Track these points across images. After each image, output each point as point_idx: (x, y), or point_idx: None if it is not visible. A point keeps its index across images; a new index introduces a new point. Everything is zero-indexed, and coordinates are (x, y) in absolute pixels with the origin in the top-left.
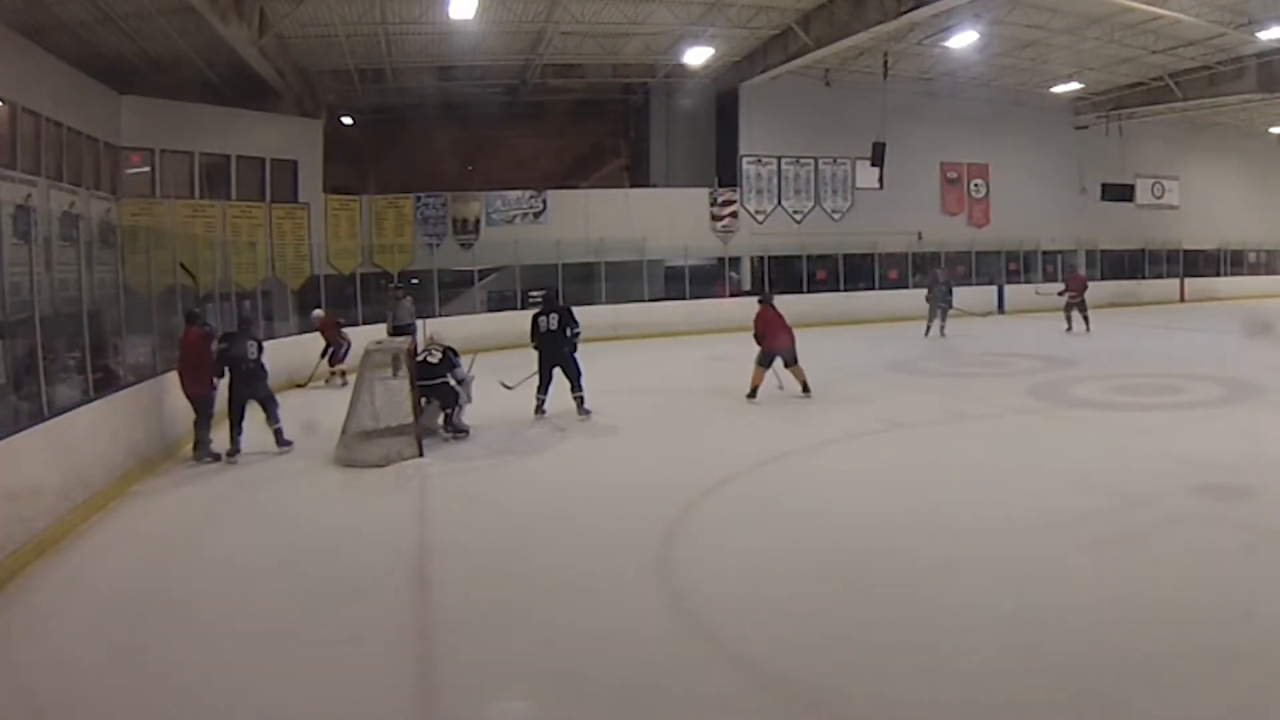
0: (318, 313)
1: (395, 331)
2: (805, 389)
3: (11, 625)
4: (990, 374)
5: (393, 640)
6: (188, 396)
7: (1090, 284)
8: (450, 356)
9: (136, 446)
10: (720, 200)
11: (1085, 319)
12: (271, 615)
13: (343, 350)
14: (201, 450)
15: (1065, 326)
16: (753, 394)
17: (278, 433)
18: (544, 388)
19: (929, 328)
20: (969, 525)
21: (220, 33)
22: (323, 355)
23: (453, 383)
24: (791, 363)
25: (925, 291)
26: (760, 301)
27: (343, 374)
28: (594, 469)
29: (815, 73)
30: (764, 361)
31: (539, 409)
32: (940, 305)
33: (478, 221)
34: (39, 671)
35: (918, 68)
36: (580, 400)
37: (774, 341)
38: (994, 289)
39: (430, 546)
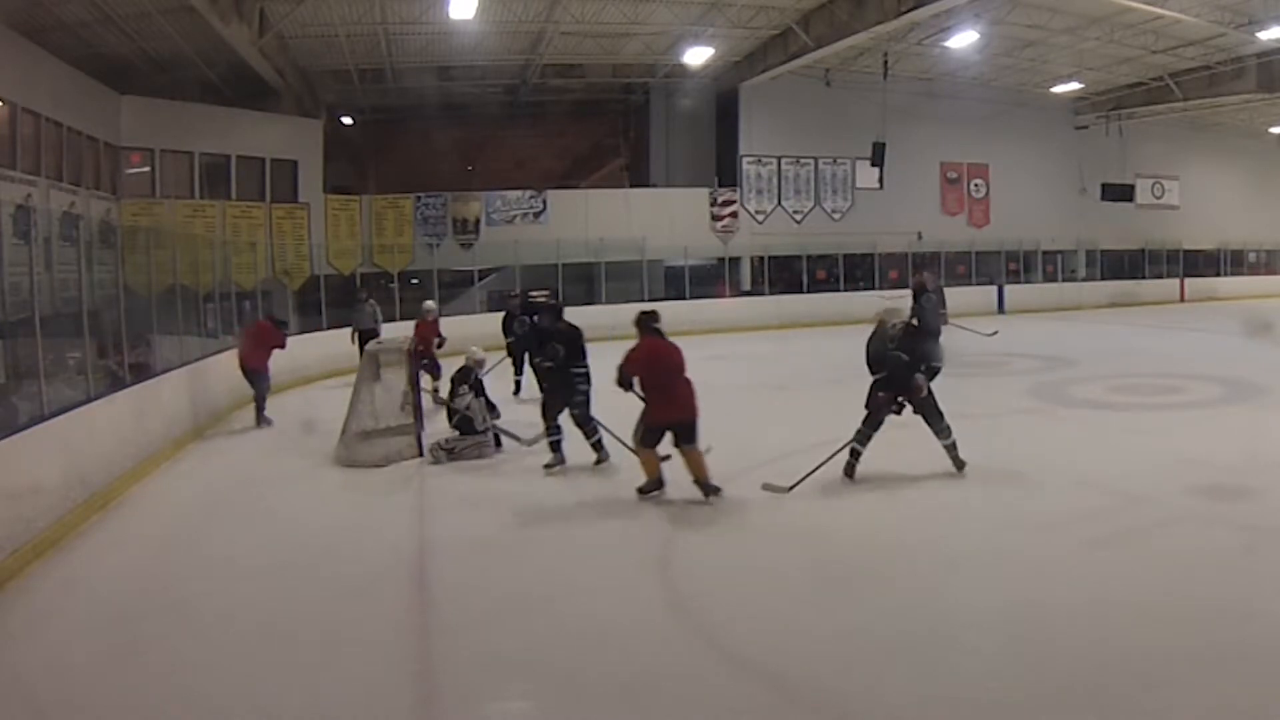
0: (430, 305)
1: (361, 335)
2: None
3: (11, 625)
4: (990, 374)
5: (392, 640)
6: (246, 368)
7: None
8: (458, 389)
9: (137, 446)
10: (720, 200)
11: None
12: (272, 615)
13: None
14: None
15: None
16: None
17: None
18: None
19: None
20: (969, 525)
21: (220, 33)
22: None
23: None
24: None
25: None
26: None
27: (435, 391)
28: (593, 469)
29: (815, 73)
30: None
31: None
32: None
33: (478, 221)
34: (39, 671)
35: (918, 68)
36: None
37: None
38: (994, 289)
39: (430, 546)
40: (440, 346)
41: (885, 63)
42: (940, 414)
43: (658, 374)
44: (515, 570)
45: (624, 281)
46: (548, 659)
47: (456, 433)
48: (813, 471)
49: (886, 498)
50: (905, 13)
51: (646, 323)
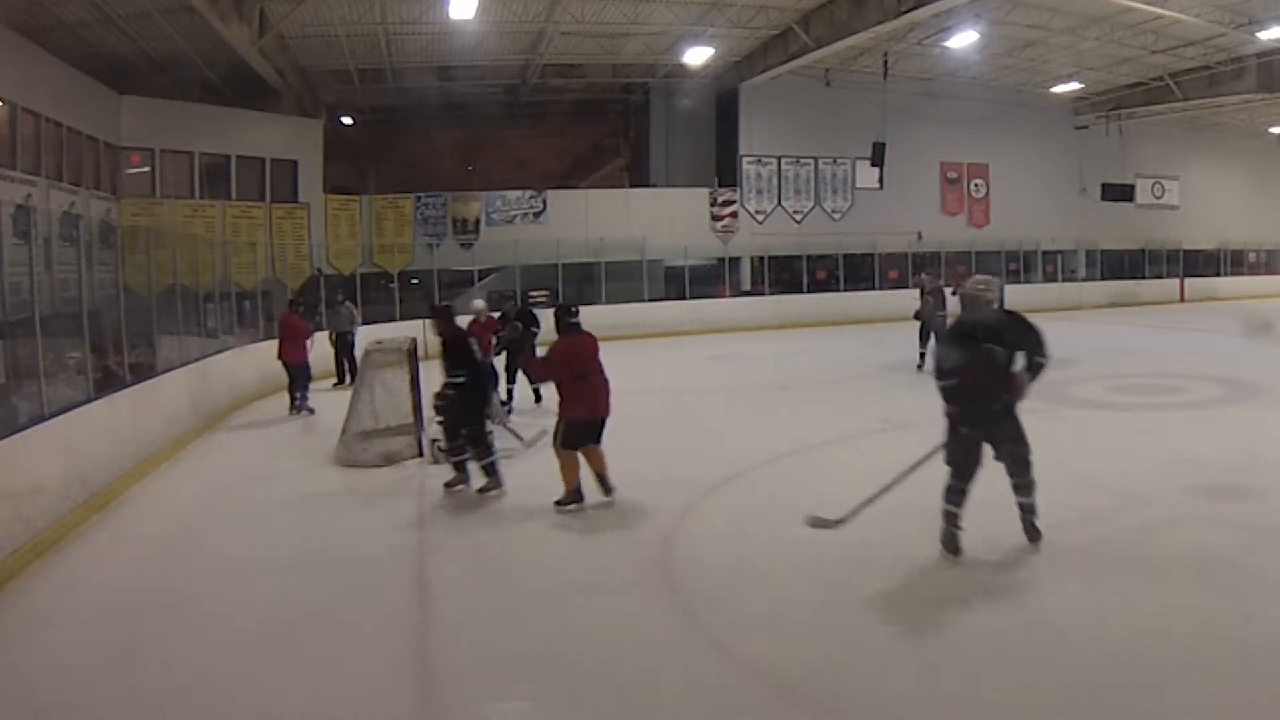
0: (480, 304)
1: (337, 337)
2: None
3: (11, 625)
4: None
5: (392, 640)
6: (287, 364)
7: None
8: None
9: (137, 446)
10: (720, 200)
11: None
12: (271, 615)
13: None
14: (298, 407)
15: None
16: None
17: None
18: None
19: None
20: (968, 525)
21: (220, 33)
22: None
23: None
24: None
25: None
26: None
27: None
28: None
29: (815, 73)
30: None
31: None
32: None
33: (478, 221)
34: (39, 671)
35: (918, 68)
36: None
37: None
38: None
39: (430, 546)
40: (499, 351)
41: (885, 63)
42: (1030, 461)
43: (575, 368)
44: (515, 570)
45: (624, 281)
46: (547, 659)
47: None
48: (866, 504)
49: (887, 497)
50: (905, 13)
51: (563, 319)
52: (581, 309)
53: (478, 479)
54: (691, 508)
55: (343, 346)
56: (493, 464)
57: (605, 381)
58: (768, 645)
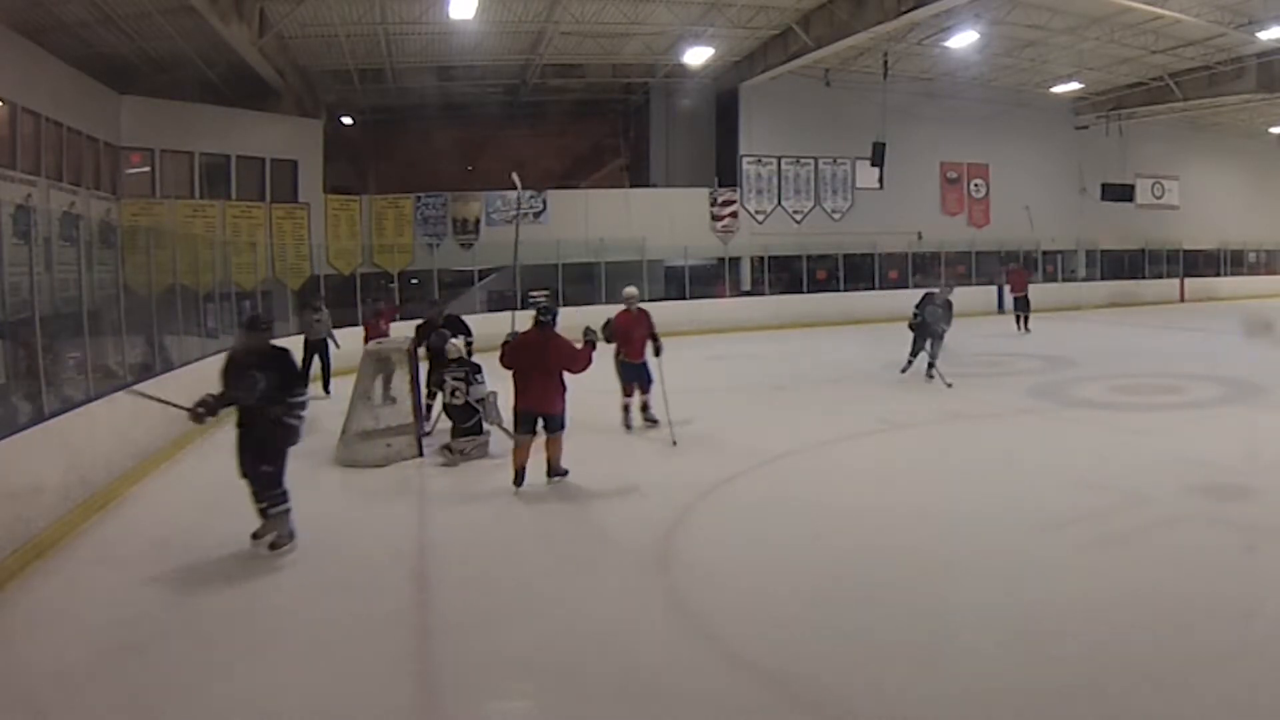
0: (632, 290)
1: (308, 346)
2: None
3: (11, 625)
4: (990, 374)
5: (393, 640)
6: None
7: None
8: (470, 374)
9: (137, 446)
10: (720, 200)
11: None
12: (271, 614)
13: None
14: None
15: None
16: None
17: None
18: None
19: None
20: (969, 525)
21: (220, 33)
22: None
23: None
24: None
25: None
26: None
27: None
28: (594, 469)
29: (815, 73)
30: None
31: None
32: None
33: (478, 221)
34: (39, 671)
35: (918, 68)
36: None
37: None
38: (994, 289)
39: (430, 546)
40: (658, 353)
41: (885, 63)
42: None
43: (515, 363)
44: (515, 570)
45: (624, 281)
46: (548, 658)
47: (450, 425)
48: None
49: (887, 497)
50: (905, 13)
51: (537, 314)
52: (581, 309)
53: (268, 527)
54: (691, 508)
55: (322, 354)
56: (287, 512)
57: (543, 380)
58: (768, 645)
